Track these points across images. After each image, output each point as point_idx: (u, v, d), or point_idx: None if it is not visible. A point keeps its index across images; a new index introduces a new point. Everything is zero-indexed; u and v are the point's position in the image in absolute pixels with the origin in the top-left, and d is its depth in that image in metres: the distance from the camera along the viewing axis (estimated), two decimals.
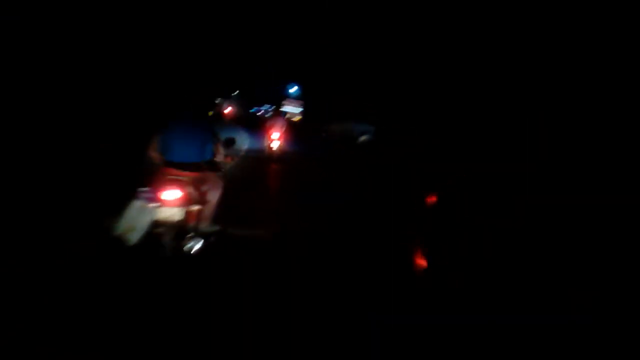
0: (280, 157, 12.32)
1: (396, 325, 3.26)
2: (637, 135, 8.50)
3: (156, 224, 3.60)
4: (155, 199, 3.58)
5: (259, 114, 34.06)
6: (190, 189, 3.80)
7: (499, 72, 13.34)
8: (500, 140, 12.15)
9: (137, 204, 3.56)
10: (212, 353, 2.73)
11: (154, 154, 3.96)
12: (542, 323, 3.39)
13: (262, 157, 12.54)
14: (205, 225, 4.03)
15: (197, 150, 3.93)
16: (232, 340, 2.86)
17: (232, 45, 23.84)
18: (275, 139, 12.12)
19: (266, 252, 4.75)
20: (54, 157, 8.19)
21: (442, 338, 3.14)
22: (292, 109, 34.57)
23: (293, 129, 19.41)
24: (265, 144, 12.52)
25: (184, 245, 3.85)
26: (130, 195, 3.59)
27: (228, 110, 29.45)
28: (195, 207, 3.92)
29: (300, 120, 32.80)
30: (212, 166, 4.15)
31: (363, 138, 20.10)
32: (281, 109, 33.32)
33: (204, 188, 3.97)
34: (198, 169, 3.92)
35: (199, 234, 3.99)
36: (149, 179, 3.77)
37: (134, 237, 3.48)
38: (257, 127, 15.59)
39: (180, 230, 3.78)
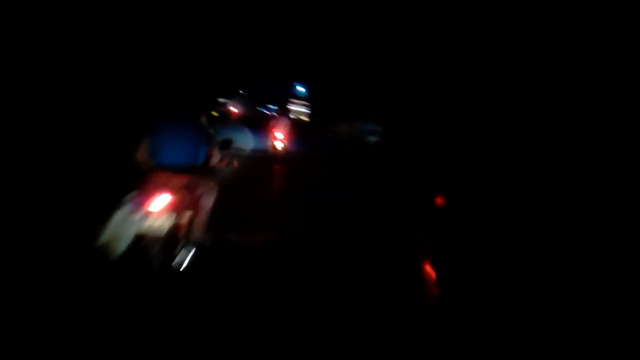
0: (284, 157, 12.15)
1: (396, 325, 3.26)
2: (637, 135, 8.28)
3: (143, 234, 3.27)
4: (142, 206, 3.25)
5: (266, 114, 33.85)
6: (182, 195, 3.46)
7: (500, 72, 13.11)
8: (500, 140, 11.98)
9: (122, 212, 3.25)
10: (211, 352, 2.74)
11: (143, 158, 3.62)
12: (542, 323, 3.37)
13: (266, 157, 12.37)
14: (197, 234, 3.71)
15: (189, 153, 3.61)
16: (231, 342, 2.85)
17: (237, 45, 23.60)
18: (279, 139, 11.97)
19: (263, 258, 4.48)
20: (54, 157, 7.95)
21: (442, 338, 3.14)
22: (299, 109, 34.36)
23: (299, 129, 19.19)
24: (269, 144, 12.35)
25: (174, 257, 3.51)
26: (117, 201, 3.28)
27: (234, 110, 29.20)
28: (187, 214, 3.58)
29: (306, 121, 32.60)
30: (206, 170, 3.82)
31: (371, 138, 19.78)
32: (286, 109, 33.15)
33: (197, 193, 3.64)
34: (190, 172, 3.58)
35: (190, 243, 3.65)
36: (135, 184, 3.44)
37: (118, 248, 3.17)
38: (263, 127, 15.45)
39: (170, 239, 3.45)
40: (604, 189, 7.22)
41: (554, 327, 3.35)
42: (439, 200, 7.08)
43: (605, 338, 3.21)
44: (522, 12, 11.86)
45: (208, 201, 3.79)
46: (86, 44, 11.25)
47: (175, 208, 3.41)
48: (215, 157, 3.96)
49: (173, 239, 3.47)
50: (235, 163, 9.29)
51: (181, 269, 3.50)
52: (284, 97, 35.04)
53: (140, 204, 3.27)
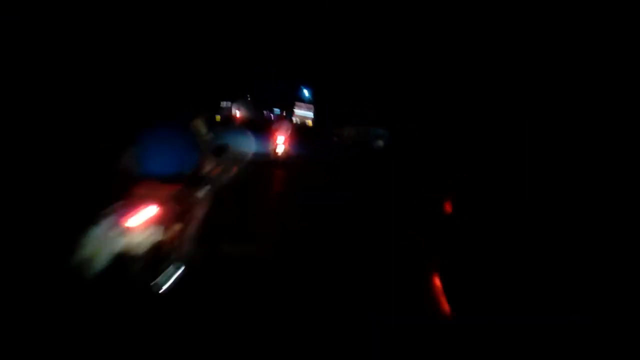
0: (285, 161, 12.01)
1: (396, 325, 3.25)
2: (636, 135, 8.10)
3: (123, 251, 2.90)
4: (125, 219, 2.88)
5: (271, 117, 33.61)
6: (169, 207, 3.10)
7: (500, 72, 12.98)
8: (500, 140, 11.87)
9: (101, 226, 2.89)
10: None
11: (128, 165, 3.25)
12: (542, 323, 3.35)
13: (268, 162, 12.20)
14: (186, 249, 3.33)
15: (178, 160, 3.25)
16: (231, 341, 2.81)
17: (240, 47, 23.33)
18: (281, 143, 11.87)
19: (260, 269, 4.15)
20: (53, 157, 7.60)
21: (442, 338, 3.14)
22: (304, 113, 34.09)
23: (303, 133, 18.92)
24: (270, 147, 12.22)
25: (160, 276, 3.13)
26: (96, 213, 2.92)
27: (237, 114, 28.93)
28: (175, 228, 3.21)
29: (311, 124, 32.33)
30: (198, 178, 3.46)
31: (378, 142, 19.44)
32: (289, 112, 32.95)
33: (186, 205, 3.28)
34: (179, 181, 3.22)
35: (178, 261, 3.28)
36: (119, 194, 3.08)
37: (95, 267, 2.81)
38: (266, 131, 15.28)
39: (153, 257, 3.07)
40: (603, 189, 7.00)
41: (554, 327, 3.33)
42: (440, 201, 7.00)
43: (605, 338, 3.18)
44: (523, 12, 11.76)
45: (199, 213, 3.42)
46: (84, 43, 10.95)
47: (161, 221, 3.06)
48: (208, 165, 3.60)
49: (157, 256, 3.10)
50: (234, 170, 8.86)
51: (161, 291, 3.10)
52: (288, 101, 34.83)
53: (120, 218, 2.90)
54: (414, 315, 3.48)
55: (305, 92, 37.77)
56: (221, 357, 2.74)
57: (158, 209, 3.03)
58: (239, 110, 29.46)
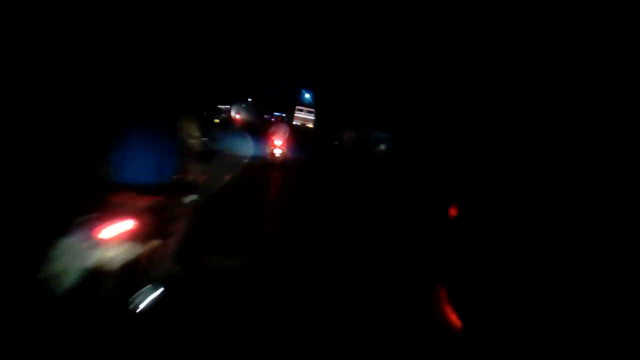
0: (282, 164, 11.91)
1: (396, 325, 3.25)
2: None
3: (94, 267, 2.62)
4: (98, 231, 2.61)
5: (271, 120, 33.41)
6: (146, 219, 2.82)
7: (501, 73, 12.90)
8: (501, 139, 11.92)
9: (73, 237, 2.61)
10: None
11: (103, 172, 2.97)
12: (542, 323, 3.35)
13: (265, 165, 12.06)
14: (165, 266, 3.04)
15: (158, 168, 2.95)
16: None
17: (240, 47, 23.09)
18: (278, 146, 11.81)
19: (249, 285, 3.87)
20: (52, 157, 7.30)
21: (442, 338, 3.14)
22: (305, 116, 33.83)
23: (304, 136, 18.67)
24: (268, 151, 12.15)
25: (135, 295, 2.85)
26: (67, 224, 2.65)
27: (237, 116, 28.67)
28: (152, 243, 2.93)
29: (312, 128, 32.09)
30: (181, 187, 3.18)
31: (380, 147, 19.21)
32: (288, 115, 32.71)
33: (166, 217, 3.00)
34: (159, 191, 2.94)
35: (156, 278, 2.99)
36: (91, 204, 2.80)
37: (64, 283, 2.53)
38: (265, 133, 15.14)
39: (128, 274, 2.79)
40: (604, 188, 6.90)
41: (554, 327, 3.33)
42: (445, 206, 6.86)
43: (605, 338, 3.17)
44: (522, 12, 11.86)
45: (181, 226, 3.14)
46: (85, 43, 10.66)
47: (137, 237, 2.78)
48: (194, 172, 3.32)
49: (132, 273, 2.81)
50: (226, 176, 8.56)
51: (137, 311, 2.82)
52: (289, 103, 34.60)
53: (93, 229, 2.63)
54: (414, 315, 3.47)
55: (307, 95, 37.52)
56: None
57: (134, 223, 2.75)
58: (238, 112, 29.22)
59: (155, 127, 3.03)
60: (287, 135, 12.06)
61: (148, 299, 2.89)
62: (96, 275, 2.66)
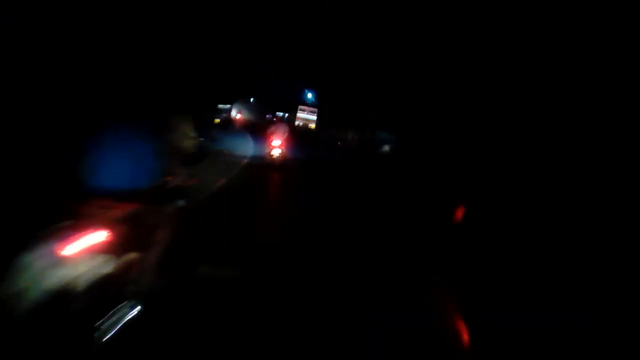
0: (281, 165, 11.71)
1: (396, 325, 3.24)
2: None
3: (64, 284, 2.28)
4: (64, 245, 2.26)
5: (272, 120, 33.12)
6: (122, 230, 2.47)
7: (501, 73, 12.79)
8: (503, 140, 11.69)
9: (35, 252, 2.27)
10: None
11: (72, 177, 2.61)
12: (542, 323, 3.35)
13: (263, 166, 11.86)
14: (144, 283, 2.68)
15: (137, 172, 2.60)
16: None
17: (242, 49, 22.82)
18: (277, 146, 11.61)
19: (240, 294, 3.58)
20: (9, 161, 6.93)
21: (442, 338, 3.15)
22: (307, 116, 33.51)
23: (305, 137, 18.38)
24: (266, 151, 11.93)
25: (107, 317, 2.48)
26: (29, 236, 2.30)
27: (238, 116, 28.39)
28: (128, 257, 2.58)
29: (314, 128, 31.80)
30: (164, 193, 2.82)
31: (383, 148, 18.92)
32: (289, 115, 32.46)
33: (147, 227, 2.64)
34: (138, 198, 2.58)
35: (133, 297, 2.63)
36: (58, 213, 2.44)
37: (23, 305, 2.19)
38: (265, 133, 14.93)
39: (103, 293, 2.42)
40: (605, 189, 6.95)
41: (554, 327, 3.32)
42: (451, 208, 6.79)
43: (605, 338, 3.17)
44: (522, 13, 11.59)
45: (163, 236, 2.78)
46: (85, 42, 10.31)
47: (110, 249, 2.43)
48: (181, 175, 2.97)
49: (104, 293, 2.45)
50: (220, 179, 8.16)
51: (107, 337, 2.45)
52: (290, 103, 34.34)
53: (59, 243, 2.28)
54: (414, 315, 3.46)
55: (309, 95, 37.20)
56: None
57: (107, 233, 2.40)
58: (239, 112, 28.93)
59: (134, 126, 2.67)
60: (286, 135, 11.88)
61: (121, 322, 2.52)
62: (60, 297, 2.31)
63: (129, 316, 2.57)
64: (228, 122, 24.34)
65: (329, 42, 25.40)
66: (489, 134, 13.01)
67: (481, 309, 3.73)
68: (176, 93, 3.96)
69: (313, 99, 36.58)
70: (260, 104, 35.01)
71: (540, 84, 11.25)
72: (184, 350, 2.74)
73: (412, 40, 18.96)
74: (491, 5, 13.56)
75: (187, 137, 3.96)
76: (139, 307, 2.63)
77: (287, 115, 34.19)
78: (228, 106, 26.93)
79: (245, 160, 12.46)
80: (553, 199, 7.25)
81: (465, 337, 3.45)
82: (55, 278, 2.26)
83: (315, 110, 34.46)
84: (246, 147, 14.64)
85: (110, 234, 2.42)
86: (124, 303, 2.57)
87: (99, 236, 2.39)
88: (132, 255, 2.61)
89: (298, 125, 31.85)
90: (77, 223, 2.37)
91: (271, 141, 11.70)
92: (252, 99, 34.59)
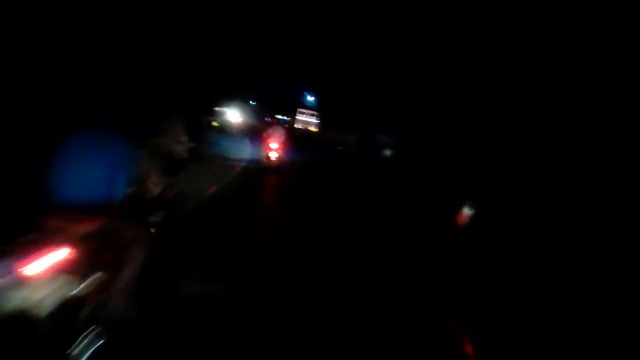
0: (278, 168, 11.54)
1: (396, 325, 3.24)
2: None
3: (23, 308, 2.04)
4: (23, 264, 2.02)
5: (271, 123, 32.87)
6: (88, 248, 2.23)
7: (502, 73, 12.60)
8: (503, 140, 11.75)
9: None
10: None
11: (33, 188, 2.37)
12: (542, 323, 3.35)
13: (259, 169, 11.69)
14: (115, 307, 2.44)
15: (111, 181, 2.36)
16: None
17: (242, 50, 22.62)
18: (274, 149, 11.44)
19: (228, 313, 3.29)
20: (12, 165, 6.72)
21: (442, 338, 3.15)
22: (307, 119, 33.28)
23: (305, 140, 18.17)
24: (263, 154, 11.81)
25: (72, 347, 2.24)
26: None
27: (236, 119, 28.14)
28: (97, 277, 2.34)
29: (314, 131, 31.58)
30: (139, 205, 2.59)
31: (385, 151, 18.72)
32: (289, 118, 32.25)
33: (117, 244, 2.40)
34: (108, 211, 2.35)
35: (101, 323, 2.39)
36: (17, 229, 2.20)
37: None
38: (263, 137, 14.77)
39: (62, 320, 2.18)
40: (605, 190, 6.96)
41: (554, 327, 3.32)
42: (453, 211, 6.74)
43: (605, 338, 3.16)
44: (522, 13, 11.63)
45: (137, 253, 2.54)
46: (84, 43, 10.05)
47: (75, 269, 2.19)
48: (156, 186, 2.73)
49: (68, 319, 2.21)
50: (210, 187, 7.86)
51: None
52: (290, 105, 34.15)
53: (17, 263, 2.04)
54: (414, 315, 3.46)
55: (309, 98, 37.00)
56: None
57: (71, 251, 2.17)
58: (238, 115, 28.68)
59: (107, 130, 2.44)
60: (283, 138, 11.73)
61: (90, 349, 2.28)
62: (22, 321, 2.07)
63: (98, 344, 2.33)
64: (226, 124, 24.09)
65: (329, 43, 25.22)
66: (489, 134, 12.93)
67: (481, 309, 3.75)
68: (166, 93, 3.74)
69: (313, 102, 36.41)
70: (260, 106, 34.80)
71: (540, 84, 11.18)
72: None
73: (412, 40, 18.84)
74: (491, 6, 13.51)
75: (178, 142, 3.73)
76: (107, 335, 2.39)
77: (287, 118, 33.96)
78: (226, 108, 26.68)
79: (241, 165, 12.20)
80: (553, 198, 7.28)
81: (465, 337, 3.40)
82: (17, 300, 2.03)
83: (315, 112, 34.26)
84: (243, 151, 14.40)
85: (77, 251, 2.19)
86: (92, 328, 2.34)
87: (65, 253, 2.15)
88: (101, 275, 2.37)
89: (298, 127, 31.64)
90: (41, 239, 2.14)
91: (268, 144, 11.56)
92: (252, 102, 34.37)
